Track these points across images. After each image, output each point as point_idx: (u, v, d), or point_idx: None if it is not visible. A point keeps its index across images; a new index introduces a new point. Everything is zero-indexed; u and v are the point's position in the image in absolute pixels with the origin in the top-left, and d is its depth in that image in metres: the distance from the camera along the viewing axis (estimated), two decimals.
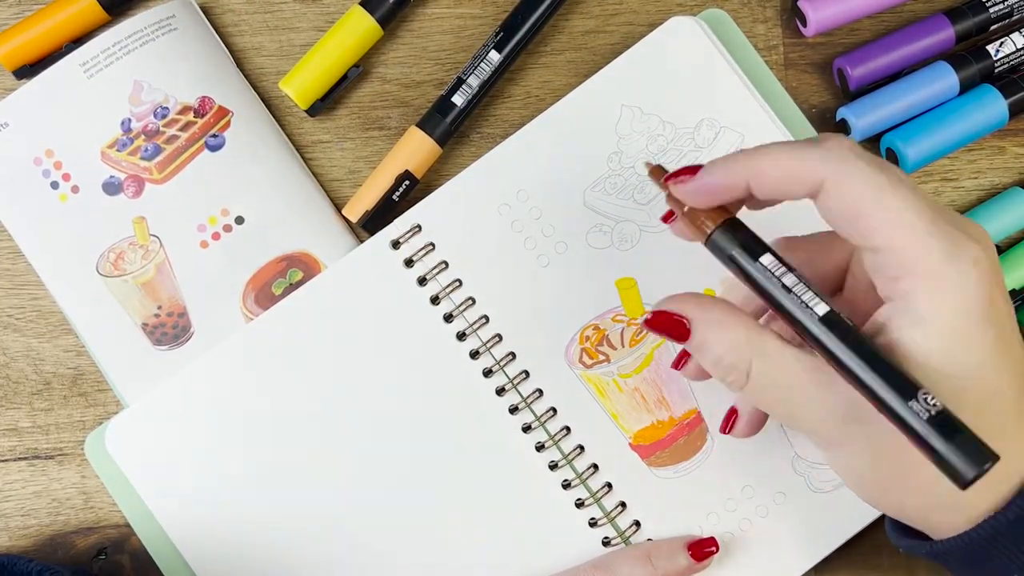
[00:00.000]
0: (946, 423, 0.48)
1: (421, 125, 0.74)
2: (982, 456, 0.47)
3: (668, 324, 0.57)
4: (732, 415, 0.66)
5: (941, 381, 0.51)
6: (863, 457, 0.56)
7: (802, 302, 0.53)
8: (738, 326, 0.56)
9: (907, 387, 0.49)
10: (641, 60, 0.74)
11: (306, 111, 0.75)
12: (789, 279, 0.53)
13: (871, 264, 0.54)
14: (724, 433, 0.66)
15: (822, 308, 0.52)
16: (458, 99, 0.74)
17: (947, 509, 0.55)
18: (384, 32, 0.76)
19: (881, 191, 0.52)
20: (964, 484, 0.47)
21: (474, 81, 0.74)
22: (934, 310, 0.52)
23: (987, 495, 0.55)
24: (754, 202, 0.57)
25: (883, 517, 0.70)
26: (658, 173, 0.60)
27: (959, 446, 0.47)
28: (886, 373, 0.50)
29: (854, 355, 0.51)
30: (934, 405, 0.49)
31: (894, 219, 0.52)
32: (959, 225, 0.53)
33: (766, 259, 0.54)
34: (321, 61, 0.75)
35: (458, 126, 0.75)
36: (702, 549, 0.69)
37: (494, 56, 0.74)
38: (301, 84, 0.75)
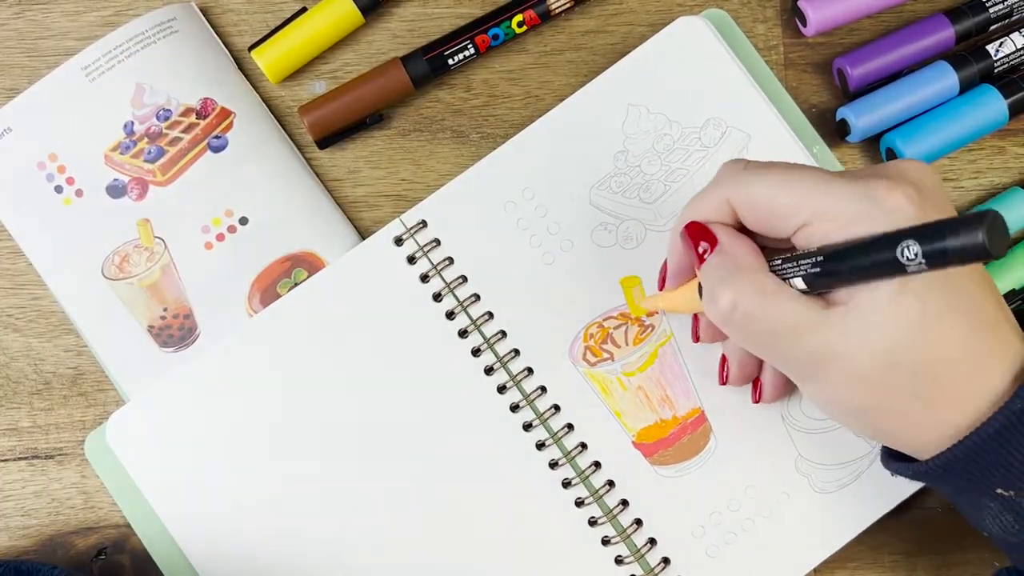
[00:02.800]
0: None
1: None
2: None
3: (702, 235, 0.62)
4: (723, 363, 0.69)
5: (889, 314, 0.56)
6: (841, 383, 0.58)
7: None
8: (745, 270, 0.60)
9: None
10: (648, 59, 0.74)
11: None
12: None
13: (806, 241, 0.57)
14: (722, 384, 0.70)
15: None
16: None
17: (925, 429, 0.58)
18: (365, 21, 0.77)
19: (778, 183, 0.58)
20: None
21: None
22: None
23: (961, 412, 0.57)
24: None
25: (882, 518, 0.71)
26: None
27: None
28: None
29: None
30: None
31: (802, 196, 0.57)
32: (871, 172, 0.58)
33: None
34: (297, 37, 0.76)
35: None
36: None
37: None
38: (273, 55, 0.76)
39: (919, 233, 0.48)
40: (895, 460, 0.62)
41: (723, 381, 0.70)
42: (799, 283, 0.57)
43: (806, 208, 0.56)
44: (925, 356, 0.56)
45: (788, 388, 0.69)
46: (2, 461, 0.75)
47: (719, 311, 0.59)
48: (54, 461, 0.74)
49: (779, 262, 0.58)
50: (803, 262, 0.56)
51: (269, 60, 0.75)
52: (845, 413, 0.61)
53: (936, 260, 0.47)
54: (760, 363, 0.69)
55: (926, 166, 0.59)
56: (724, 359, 0.70)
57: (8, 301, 0.75)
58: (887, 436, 0.61)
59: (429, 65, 0.75)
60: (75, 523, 0.74)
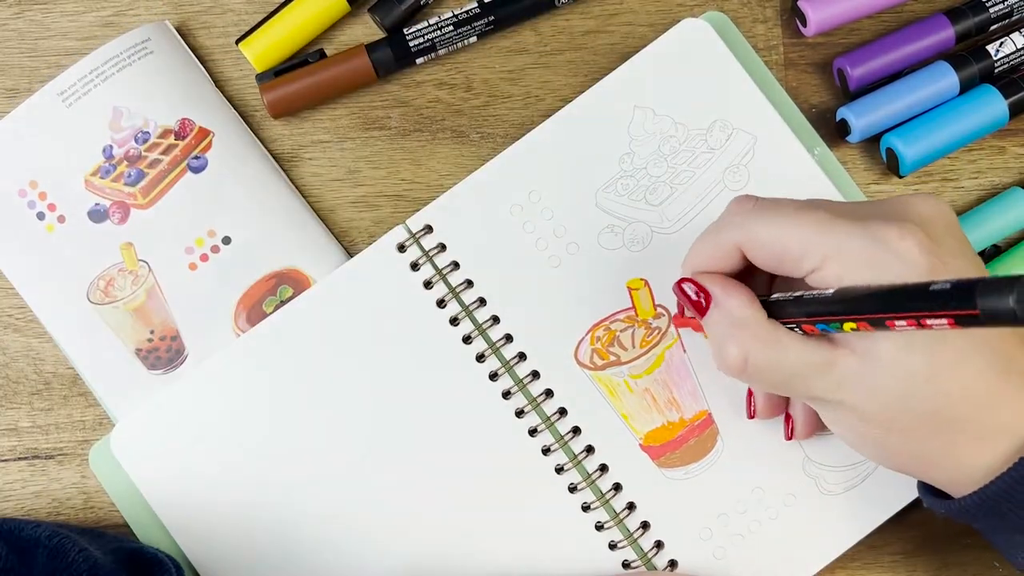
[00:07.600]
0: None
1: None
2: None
3: (695, 293, 0.63)
4: (750, 397, 0.70)
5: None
6: (855, 422, 0.59)
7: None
8: (747, 326, 0.60)
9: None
10: (654, 61, 0.74)
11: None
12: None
13: (820, 282, 0.57)
14: (751, 418, 0.70)
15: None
16: None
17: (950, 469, 0.59)
18: (351, 8, 0.77)
19: (788, 226, 0.58)
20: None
21: None
22: None
23: (989, 453, 0.57)
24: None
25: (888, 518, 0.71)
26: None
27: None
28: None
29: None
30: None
31: (811, 240, 0.57)
32: (882, 211, 0.58)
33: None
34: (284, 27, 0.76)
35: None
36: None
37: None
38: (260, 46, 0.76)
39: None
40: (931, 495, 0.62)
41: (751, 415, 0.70)
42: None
43: (816, 252, 0.57)
44: (937, 404, 0.56)
45: (819, 425, 0.68)
46: (2, 461, 0.74)
47: (731, 367, 0.60)
48: (54, 461, 0.74)
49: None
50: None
51: (256, 52, 0.76)
52: (864, 447, 0.61)
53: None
54: (786, 398, 0.69)
55: (937, 202, 0.59)
56: (750, 393, 0.70)
57: (8, 301, 0.75)
58: (913, 473, 0.61)
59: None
60: (75, 523, 0.74)
